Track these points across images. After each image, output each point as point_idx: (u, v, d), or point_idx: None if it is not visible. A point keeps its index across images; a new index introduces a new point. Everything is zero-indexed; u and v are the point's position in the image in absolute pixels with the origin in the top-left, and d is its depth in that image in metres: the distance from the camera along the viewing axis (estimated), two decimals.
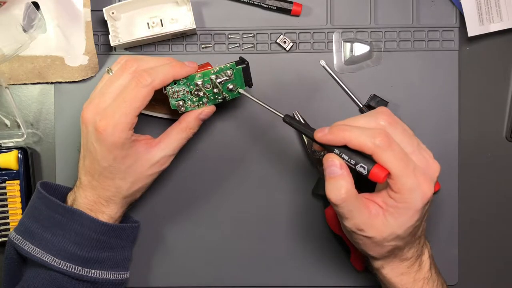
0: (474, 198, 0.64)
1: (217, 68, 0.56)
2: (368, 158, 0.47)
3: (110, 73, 0.54)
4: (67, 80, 0.63)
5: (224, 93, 0.56)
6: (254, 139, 0.63)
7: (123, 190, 0.55)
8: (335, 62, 0.63)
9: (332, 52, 0.63)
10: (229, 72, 0.55)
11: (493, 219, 0.64)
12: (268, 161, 0.63)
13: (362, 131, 0.47)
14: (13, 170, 0.62)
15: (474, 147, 0.64)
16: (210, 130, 0.63)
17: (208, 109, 0.57)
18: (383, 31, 0.63)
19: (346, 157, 0.48)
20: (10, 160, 0.61)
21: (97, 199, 0.55)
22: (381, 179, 0.47)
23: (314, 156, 0.62)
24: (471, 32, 0.62)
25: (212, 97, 0.57)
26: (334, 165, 0.48)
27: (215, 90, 0.56)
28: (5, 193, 0.62)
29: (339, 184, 0.48)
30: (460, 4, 0.62)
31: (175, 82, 0.55)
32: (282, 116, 0.52)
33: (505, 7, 0.62)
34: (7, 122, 0.64)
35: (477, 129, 0.64)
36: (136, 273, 0.63)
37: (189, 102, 0.56)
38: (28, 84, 0.64)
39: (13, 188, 0.62)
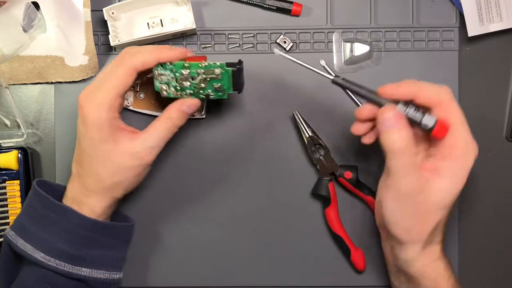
0: (474, 198, 0.64)
1: (206, 64, 0.54)
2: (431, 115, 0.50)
3: None
4: (67, 80, 0.63)
5: (209, 90, 0.55)
6: (254, 139, 0.63)
7: (102, 178, 0.54)
8: (335, 62, 0.63)
9: (332, 52, 0.63)
10: (217, 71, 0.54)
11: (493, 219, 0.64)
12: (268, 161, 0.63)
13: (431, 85, 0.51)
14: (13, 170, 0.62)
15: None
16: (210, 130, 0.63)
17: (191, 101, 0.55)
18: (383, 31, 0.63)
19: (411, 111, 0.50)
20: (10, 160, 0.61)
21: (80, 189, 0.55)
22: (446, 130, 0.50)
23: (314, 156, 0.62)
24: (471, 32, 0.62)
25: (195, 91, 0.55)
26: (397, 116, 0.50)
27: (201, 85, 0.55)
28: (5, 193, 0.62)
29: (402, 133, 0.49)
30: (460, 4, 0.62)
31: (162, 65, 0.54)
32: (332, 77, 0.53)
33: (505, 7, 0.62)
34: (7, 122, 0.64)
35: (477, 129, 0.64)
36: (133, 273, 0.63)
37: (172, 89, 0.55)
38: (28, 84, 0.64)
39: (13, 188, 0.62)
